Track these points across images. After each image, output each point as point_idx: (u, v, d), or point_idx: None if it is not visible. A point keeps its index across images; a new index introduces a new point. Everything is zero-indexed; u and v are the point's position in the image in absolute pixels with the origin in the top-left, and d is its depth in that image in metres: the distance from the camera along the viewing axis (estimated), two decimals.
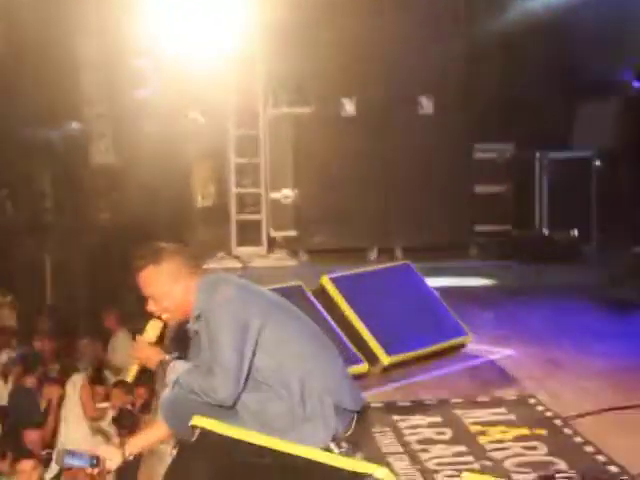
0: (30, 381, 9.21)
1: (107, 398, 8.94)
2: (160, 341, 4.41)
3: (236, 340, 4.10)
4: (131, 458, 4.36)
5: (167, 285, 4.23)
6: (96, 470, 4.21)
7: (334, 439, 4.15)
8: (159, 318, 4.36)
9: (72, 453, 4.22)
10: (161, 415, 4.33)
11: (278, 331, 4.21)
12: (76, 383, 9.12)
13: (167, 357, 4.30)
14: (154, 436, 4.45)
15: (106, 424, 8.68)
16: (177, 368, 4.23)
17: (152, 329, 4.37)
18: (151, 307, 4.31)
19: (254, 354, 4.14)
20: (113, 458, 4.24)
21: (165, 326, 4.41)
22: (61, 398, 8.90)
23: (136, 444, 4.39)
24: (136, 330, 10.71)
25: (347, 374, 4.45)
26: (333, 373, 4.28)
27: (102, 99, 14.38)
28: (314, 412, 4.13)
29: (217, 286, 4.23)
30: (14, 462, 6.96)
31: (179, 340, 4.55)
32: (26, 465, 6.74)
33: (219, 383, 4.07)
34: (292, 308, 4.41)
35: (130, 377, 4.54)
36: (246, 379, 4.13)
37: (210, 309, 4.17)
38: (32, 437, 7.90)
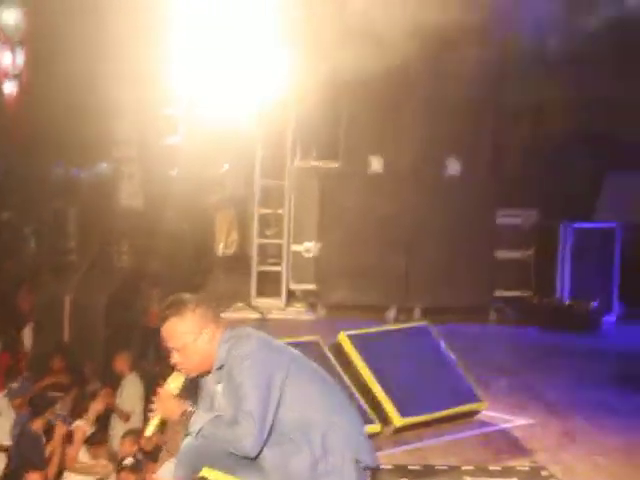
0: (37, 425, 9.17)
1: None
2: (182, 393, 4.40)
3: (261, 391, 4.10)
4: None
5: (190, 337, 4.24)
6: None
7: None
8: (180, 371, 4.35)
9: None
10: (179, 464, 4.28)
11: (300, 385, 4.21)
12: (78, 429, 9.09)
13: (190, 408, 4.28)
14: None
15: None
16: (200, 419, 4.20)
17: (174, 381, 4.36)
18: (175, 359, 4.30)
19: (278, 406, 4.13)
20: None
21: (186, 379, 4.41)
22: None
23: None
24: (146, 375, 10.72)
25: (365, 430, 4.44)
26: (354, 429, 4.28)
27: (131, 143, 14.53)
28: (335, 468, 4.12)
29: (240, 339, 4.24)
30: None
31: (190, 391, 4.53)
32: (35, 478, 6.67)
33: (244, 432, 4.05)
34: (312, 363, 4.41)
35: (151, 431, 4.47)
36: (269, 433, 4.11)
37: (234, 361, 4.17)
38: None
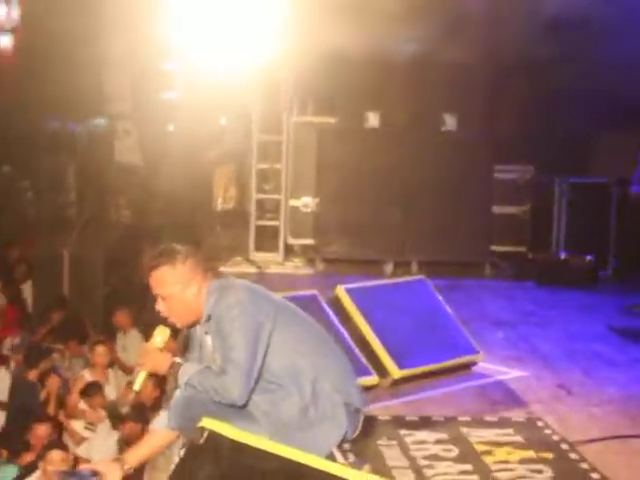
0: (32, 375, 9.26)
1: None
2: (168, 347, 4.43)
3: (248, 340, 4.15)
4: (131, 472, 4.36)
5: (179, 286, 4.28)
6: None
7: (344, 439, 4.20)
8: (166, 322, 4.39)
9: (72, 474, 4.21)
10: (171, 415, 4.35)
11: (288, 332, 4.27)
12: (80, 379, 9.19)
13: (177, 360, 4.33)
14: (153, 446, 4.47)
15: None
16: (188, 370, 4.26)
17: (159, 335, 4.39)
18: (159, 307, 4.34)
19: (266, 354, 4.19)
20: (113, 473, 4.24)
21: (175, 331, 4.44)
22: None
23: (135, 457, 4.40)
24: (148, 330, 10.76)
25: (353, 373, 4.50)
26: (342, 372, 4.37)
27: (126, 99, 14.47)
28: (326, 412, 4.20)
29: (228, 289, 4.28)
30: (17, 455, 6.93)
31: (183, 343, 4.57)
32: (56, 456, 6.72)
33: (231, 382, 4.10)
34: (299, 311, 4.47)
35: (138, 385, 4.46)
36: (257, 380, 4.18)
37: (221, 311, 4.22)
38: (40, 432, 7.86)
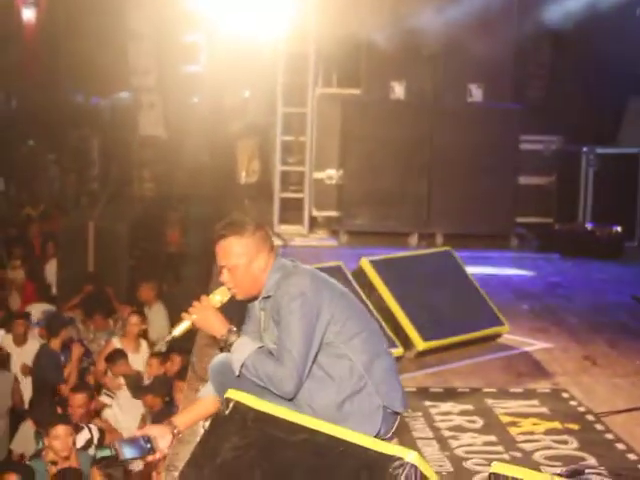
0: (55, 344, 9.34)
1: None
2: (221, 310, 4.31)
3: (307, 332, 4.07)
4: (180, 436, 4.33)
5: (246, 258, 4.19)
6: (157, 455, 4.20)
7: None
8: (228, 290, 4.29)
9: (128, 442, 4.21)
10: (213, 382, 4.30)
11: (344, 326, 4.18)
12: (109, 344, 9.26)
13: (234, 328, 4.21)
14: (200, 413, 4.42)
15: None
16: (245, 346, 4.14)
17: (221, 294, 4.28)
18: (224, 278, 4.25)
19: (320, 347, 4.12)
20: (164, 436, 4.22)
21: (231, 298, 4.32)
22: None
23: (184, 421, 4.36)
24: (167, 298, 10.81)
25: (397, 373, 4.41)
26: (389, 375, 4.28)
27: (151, 71, 14.47)
28: (363, 410, 4.15)
29: (292, 273, 4.18)
30: (47, 427, 6.95)
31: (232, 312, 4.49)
32: (61, 430, 6.74)
33: (287, 375, 4.04)
34: (356, 302, 4.37)
35: (179, 331, 4.26)
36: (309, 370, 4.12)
37: (283, 296, 4.12)
38: (78, 401, 7.89)
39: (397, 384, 4.32)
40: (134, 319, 9.44)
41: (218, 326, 4.22)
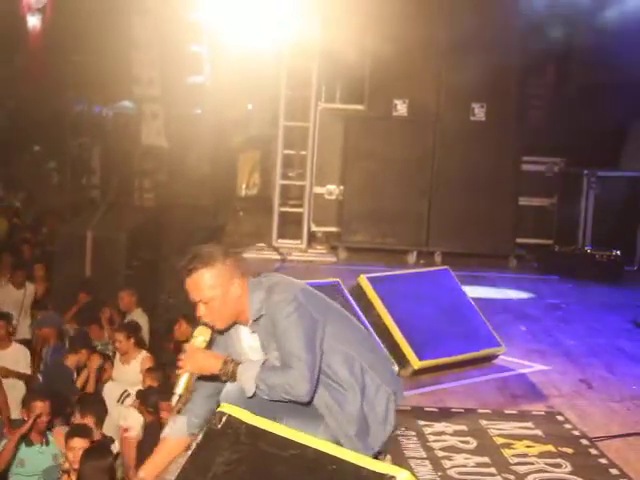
0: (71, 361, 9.25)
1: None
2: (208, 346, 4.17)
3: (308, 335, 4.00)
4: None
5: (221, 289, 4.02)
6: None
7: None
8: (206, 324, 4.14)
9: None
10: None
11: (337, 327, 4.14)
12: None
13: (230, 358, 4.07)
14: (165, 457, 4.32)
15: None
16: (249, 367, 4.03)
17: (203, 334, 4.13)
18: (201, 312, 4.08)
19: (322, 350, 4.05)
20: None
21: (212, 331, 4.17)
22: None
23: (149, 471, 4.29)
24: (150, 310, 10.69)
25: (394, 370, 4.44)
26: (390, 370, 4.31)
27: (154, 81, 14.46)
28: (381, 410, 4.11)
29: (275, 286, 4.09)
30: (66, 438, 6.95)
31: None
32: (77, 443, 6.74)
33: (299, 377, 3.94)
34: (341, 308, 4.33)
35: (181, 388, 4.12)
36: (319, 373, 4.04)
37: (276, 307, 4.03)
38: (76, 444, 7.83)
39: (397, 378, 4.32)
40: (119, 337, 9.34)
41: (213, 363, 4.09)
